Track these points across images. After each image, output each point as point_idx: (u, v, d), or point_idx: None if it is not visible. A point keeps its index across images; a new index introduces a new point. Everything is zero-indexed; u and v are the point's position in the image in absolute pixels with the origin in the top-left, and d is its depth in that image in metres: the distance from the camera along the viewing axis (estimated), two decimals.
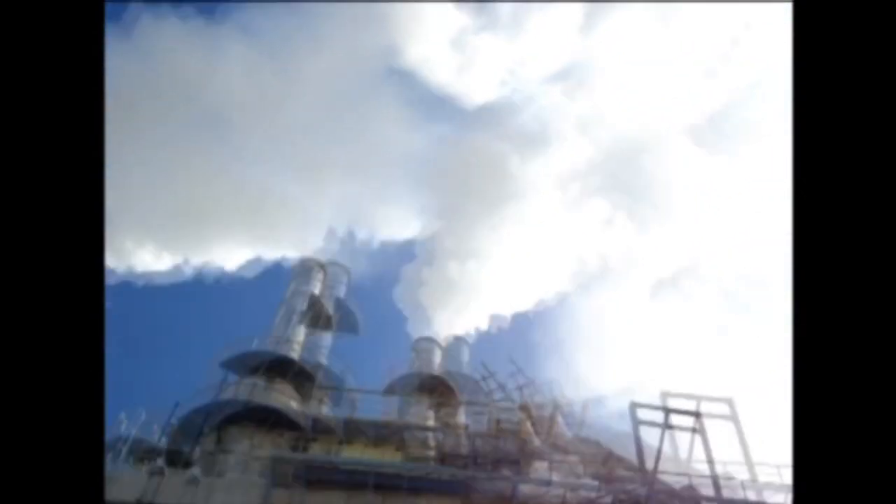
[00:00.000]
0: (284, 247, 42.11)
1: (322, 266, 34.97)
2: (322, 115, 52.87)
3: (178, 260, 44.09)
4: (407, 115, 54.77)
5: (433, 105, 55.52)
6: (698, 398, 21.66)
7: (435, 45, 52.85)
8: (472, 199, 45.68)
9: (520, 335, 63.42)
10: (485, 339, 41.72)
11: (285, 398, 25.66)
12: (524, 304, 44.22)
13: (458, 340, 36.22)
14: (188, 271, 45.08)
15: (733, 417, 21.75)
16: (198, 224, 45.64)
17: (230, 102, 49.79)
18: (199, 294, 70.07)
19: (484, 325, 40.09)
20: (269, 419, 24.37)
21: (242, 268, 44.31)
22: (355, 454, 21.86)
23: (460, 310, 38.64)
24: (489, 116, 55.39)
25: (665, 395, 21.98)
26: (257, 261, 43.96)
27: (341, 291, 34.25)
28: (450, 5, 54.30)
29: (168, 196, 43.88)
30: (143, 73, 44.18)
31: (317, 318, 32.09)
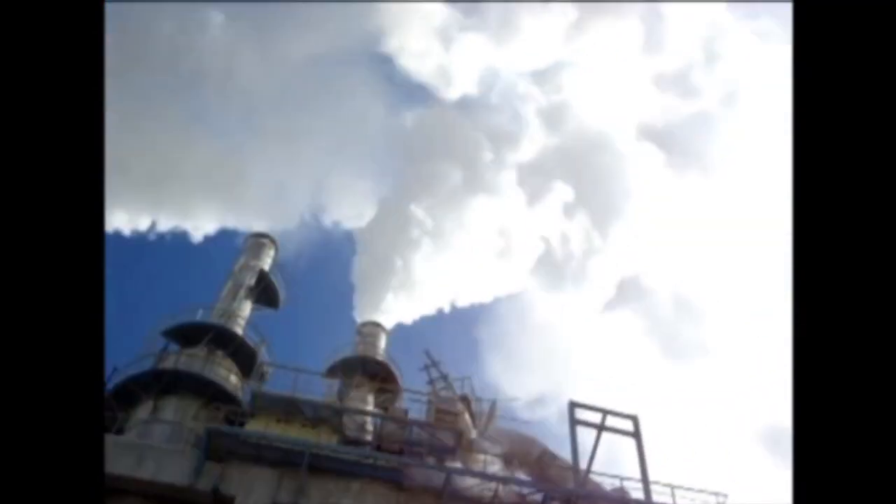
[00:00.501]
0: (249, 218, 41.97)
1: (274, 242, 34.70)
2: (299, 92, 52.88)
3: (146, 223, 43.46)
4: (384, 100, 54.81)
5: (411, 92, 55.40)
6: (605, 411, 21.90)
7: (419, 37, 52.72)
8: (438, 185, 45.66)
9: (467, 327, 63.83)
10: (431, 328, 41.88)
11: (225, 371, 25.43)
12: (476, 296, 44.35)
13: (401, 327, 36.32)
14: (151, 236, 44.52)
15: (636, 434, 22.03)
16: (167, 189, 45.27)
17: (209, 71, 49.46)
18: (160, 258, 68.90)
19: (432, 314, 40.24)
20: (207, 392, 24.14)
21: (206, 237, 43.92)
22: (292, 433, 21.72)
23: (410, 296, 38.61)
24: (465, 108, 55.27)
25: (573, 404, 22.15)
26: (223, 231, 43.55)
27: (266, 264, 33.79)
28: (440, 5, 54.18)
29: (138, 159, 43.21)
30: (121, 37, 43.36)
31: (263, 293, 31.87)
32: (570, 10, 56.65)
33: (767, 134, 62.14)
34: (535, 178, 50.91)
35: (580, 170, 53.09)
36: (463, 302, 43.39)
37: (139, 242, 44.97)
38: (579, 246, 50.53)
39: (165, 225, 44.27)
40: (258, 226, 37.04)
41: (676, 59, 62.22)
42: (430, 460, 22.12)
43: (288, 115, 52.83)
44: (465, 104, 54.55)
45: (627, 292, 54.57)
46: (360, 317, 35.32)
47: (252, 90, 52.13)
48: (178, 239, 45.35)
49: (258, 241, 34.43)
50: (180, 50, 49.48)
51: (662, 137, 58.92)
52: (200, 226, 44.64)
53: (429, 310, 39.86)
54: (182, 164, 46.56)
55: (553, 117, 57.15)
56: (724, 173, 71.42)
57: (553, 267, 49.48)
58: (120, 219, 42.45)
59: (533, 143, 54.90)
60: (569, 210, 50.42)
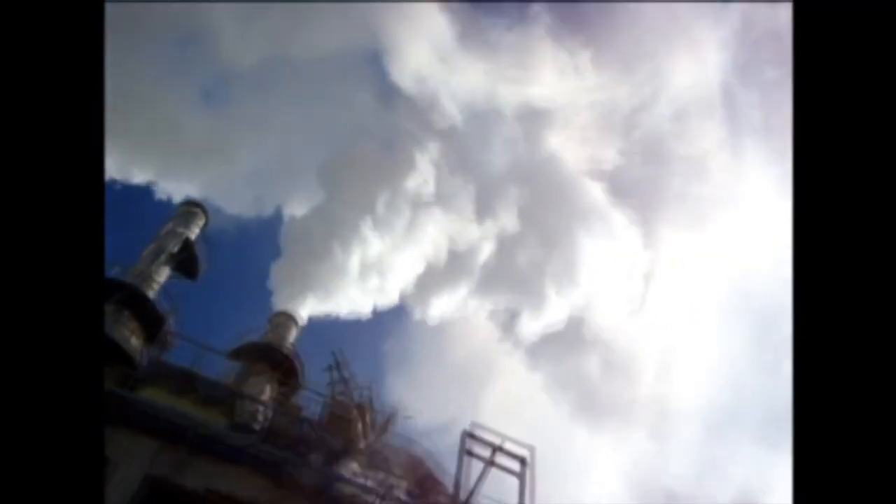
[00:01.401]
0: (212, 191, 41.84)
1: (206, 212, 34.24)
2: (295, 87, 53.24)
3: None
4: (375, 104, 54.97)
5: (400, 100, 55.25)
6: (495, 447, 22.09)
7: (424, 55, 53.01)
8: (390, 192, 45.77)
9: (384, 337, 63.85)
10: (350, 330, 41.57)
11: (128, 333, 24.94)
12: (400, 308, 44.48)
13: (317, 323, 36.20)
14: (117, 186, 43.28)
15: (530, 466, 22.33)
16: (146, 145, 44.52)
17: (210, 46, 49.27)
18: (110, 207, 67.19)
19: (354, 317, 40.21)
20: (106, 349, 23.64)
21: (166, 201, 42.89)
22: (182, 407, 21.42)
23: (334, 294, 38.46)
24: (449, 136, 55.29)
25: (473, 425, 22.31)
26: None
27: (194, 234, 33.34)
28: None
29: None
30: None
31: (185, 263, 31.39)
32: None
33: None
34: (491, 201, 51.40)
35: (538, 193, 53.60)
36: (386, 311, 43.46)
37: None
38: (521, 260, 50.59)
39: (136, 178, 43.36)
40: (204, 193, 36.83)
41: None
42: (316, 461, 22.07)
43: (279, 106, 53.12)
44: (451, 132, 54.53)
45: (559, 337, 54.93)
46: (278, 305, 35.07)
47: (250, 77, 52.34)
48: (133, 193, 44.32)
49: (190, 209, 33.91)
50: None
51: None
52: (159, 185, 43.78)
53: (351, 311, 39.84)
54: (170, 126, 46.55)
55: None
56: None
57: (489, 291, 49.59)
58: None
59: (495, 166, 55.37)
60: (514, 237, 50.81)
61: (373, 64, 55.46)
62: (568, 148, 59.01)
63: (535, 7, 58.22)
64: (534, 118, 57.61)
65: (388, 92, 54.53)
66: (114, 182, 41.75)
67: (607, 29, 61.94)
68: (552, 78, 57.32)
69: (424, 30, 53.35)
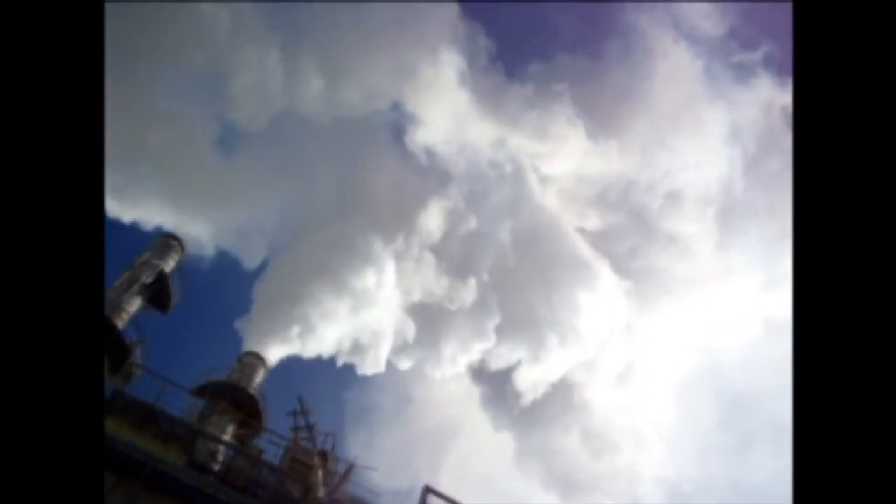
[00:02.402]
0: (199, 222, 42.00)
1: (183, 246, 34.20)
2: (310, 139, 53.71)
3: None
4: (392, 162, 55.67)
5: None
6: None
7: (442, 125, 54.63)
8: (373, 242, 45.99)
9: (353, 388, 63.31)
10: (319, 375, 41.00)
11: None
12: (375, 361, 44.21)
13: (285, 366, 35.95)
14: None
15: None
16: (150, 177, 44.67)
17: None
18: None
19: (321, 362, 40.00)
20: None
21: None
22: (140, 442, 21.10)
23: (305, 339, 38.24)
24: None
25: (427, 489, 22.14)
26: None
27: (169, 266, 33.18)
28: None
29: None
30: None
31: (157, 295, 31.20)
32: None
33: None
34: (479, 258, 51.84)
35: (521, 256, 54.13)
36: (357, 361, 43.28)
37: None
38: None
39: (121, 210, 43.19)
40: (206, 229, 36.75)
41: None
42: None
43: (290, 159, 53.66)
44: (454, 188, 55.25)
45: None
46: (247, 345, 34.79)
47: (267, 130, 52.65)
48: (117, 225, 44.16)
49: (167, 241, 33.86)
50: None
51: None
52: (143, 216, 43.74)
53: (319, 356, 39.64)
54: (184, 163, 46.78)
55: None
56: None
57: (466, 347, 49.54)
58: None
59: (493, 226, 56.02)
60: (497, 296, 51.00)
61: (391, 128, 56.68)
62: (564, 214, 60.28)
63: (560, 86, 59.62)
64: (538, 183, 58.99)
65: (402, 152, 55.67)
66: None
67: (626, 109, 63.62)
68: (565, 152, 58.84)
69: (446, 101, 54.87)
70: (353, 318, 42.07)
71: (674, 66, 64.66)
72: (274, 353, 35.12)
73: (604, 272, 57.40)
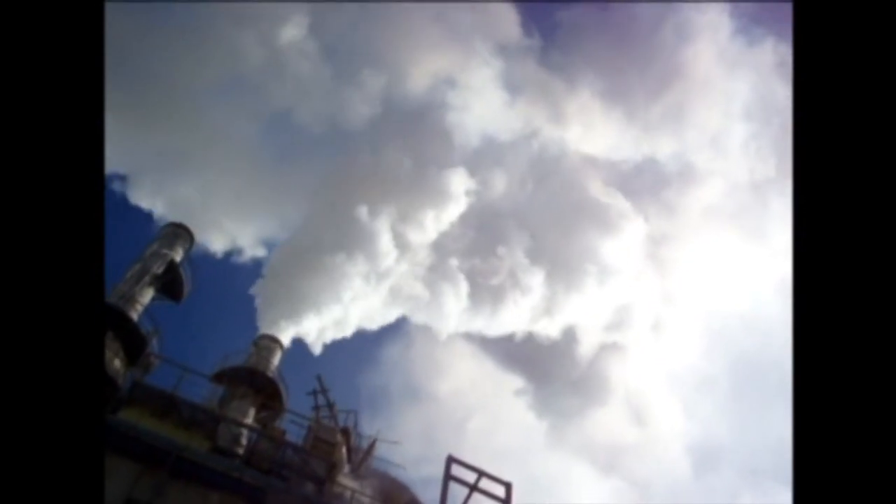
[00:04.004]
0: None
1: (191, 234, 34.14)
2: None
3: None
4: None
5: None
6: (480, 472, 21.95)
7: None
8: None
9: (372, 362, 63.59)
10: (337, 354, 41.25)
11: (111, 355, 24.71)
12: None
13: (299, 345, 36.02)
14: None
15: (506, 501, 22.16)
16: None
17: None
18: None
19: (339, 339, 40.11)
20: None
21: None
22: (163, 431, 21.20)
23: (320, 318, 38.23)
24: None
25: (450, 459, 22.13)
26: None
27: (178, 255, 33.31)
28: None
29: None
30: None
31: (169, 284, 31.24)
32: None
33: None
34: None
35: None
36: (374, 332, 43.51)
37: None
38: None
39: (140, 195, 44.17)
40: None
41: None
42: (299, 486, 21.88)
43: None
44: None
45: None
46: (262, 328, 34.84)
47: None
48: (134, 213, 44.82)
49: (175, 230, 33.82)
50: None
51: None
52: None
53: (337, 335, 39.72)
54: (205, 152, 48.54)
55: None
56: None
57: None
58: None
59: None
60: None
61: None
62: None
63: (589, 75, 62.35)
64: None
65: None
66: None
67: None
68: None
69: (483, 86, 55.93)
70: (372, 291, 42.18)
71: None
72: (287, 335, 35.19)
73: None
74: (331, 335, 39.07)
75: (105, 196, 7.02)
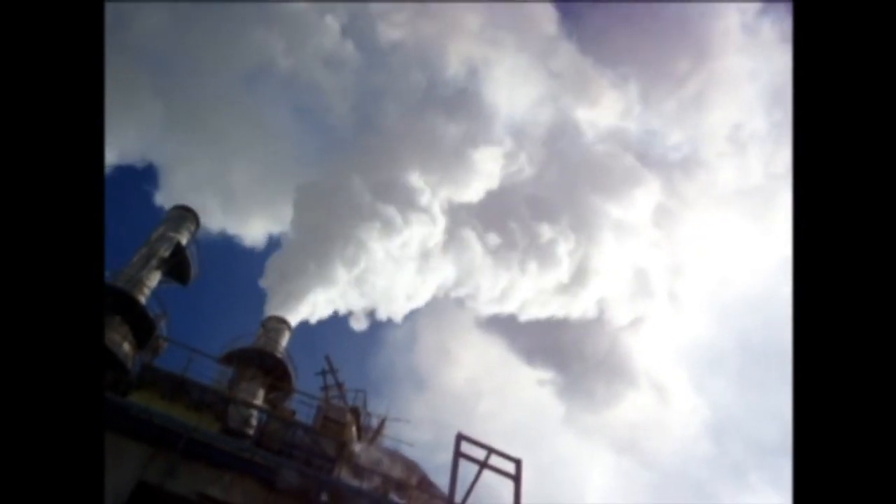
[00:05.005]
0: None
1: (196, 217, 34.10)
2: None
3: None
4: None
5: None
6: (490, 449, 21.97)
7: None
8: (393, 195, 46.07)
9: (383, 344, 63.91)
10: (345, 335, 41.35)
11: (120, 338, 24.78)
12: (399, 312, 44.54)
13: (308, 327, 36.08)
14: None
15: (516, 478, 22.20)
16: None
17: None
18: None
19: (347, 321, 40.19)
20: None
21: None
22: (174, 413, 21.28)
23: (328, 298, 38.28)
24: None
25: (460, 436, 22.16)
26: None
27: (185, 238, 33.31)
28: None
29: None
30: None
31: (176, 267, 31.25)
32: None
33: None
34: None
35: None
36: (386, 317, 43.56)
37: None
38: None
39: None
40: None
41: None
42: (309, 466, 21.97)
43: None
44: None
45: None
46: (270, 309, 34.90)
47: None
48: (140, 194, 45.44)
49: (181, 213, 33.76)
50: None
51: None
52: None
53: (345, 316, 39.82)
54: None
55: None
56: None
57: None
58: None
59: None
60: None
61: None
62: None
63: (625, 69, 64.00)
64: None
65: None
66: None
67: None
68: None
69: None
70: (382, 271, 42.21)
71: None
72: (298, 315, 35.26)
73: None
74: (344, 310, 39.40)
75: (104, 175, 6.97)
